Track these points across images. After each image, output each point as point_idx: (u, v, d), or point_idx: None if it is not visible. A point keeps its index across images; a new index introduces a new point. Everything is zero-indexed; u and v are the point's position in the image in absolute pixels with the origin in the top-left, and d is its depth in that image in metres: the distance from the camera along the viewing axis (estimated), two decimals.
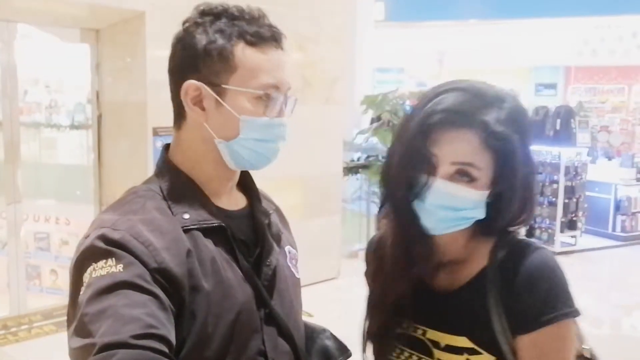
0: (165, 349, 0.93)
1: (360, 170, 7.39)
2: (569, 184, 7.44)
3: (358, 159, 7.66)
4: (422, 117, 1.14)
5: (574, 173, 7.49)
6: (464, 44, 13.61)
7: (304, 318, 1.37)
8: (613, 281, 7.05)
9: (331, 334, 1.40)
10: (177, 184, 1.18)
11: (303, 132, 5.59)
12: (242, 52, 1.13)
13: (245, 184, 1.32)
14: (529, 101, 14.55)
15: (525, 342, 1.12)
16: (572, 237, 7.69)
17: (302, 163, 5.64)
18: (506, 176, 1.13)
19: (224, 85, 1.13)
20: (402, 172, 1.16)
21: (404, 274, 1.20)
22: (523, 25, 12.72)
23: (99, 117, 5.22)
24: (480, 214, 1.15)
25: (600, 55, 13.31)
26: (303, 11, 5.45)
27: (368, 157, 7.41)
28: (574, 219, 7.58)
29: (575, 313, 1.14)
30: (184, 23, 1.18)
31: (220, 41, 1.13)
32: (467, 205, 1.13)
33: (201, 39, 1.14)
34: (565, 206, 7.46)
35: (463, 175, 1.12)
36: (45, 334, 4.56)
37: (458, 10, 12.53)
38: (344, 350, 1.37)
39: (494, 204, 1.16)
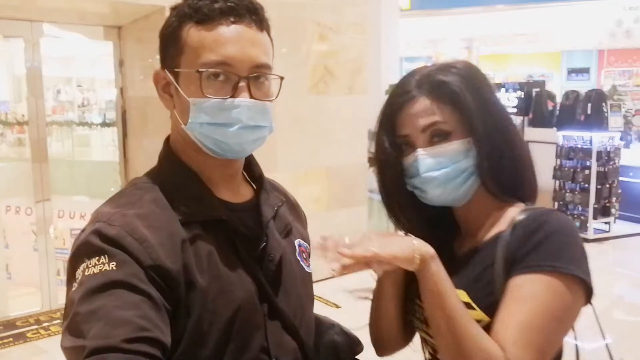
0: (158, 352, 0.90)
1: None
2: (601, 169, 7.25)
3: None
4: (382, 112, 1.24)
5: (607, 158, 7.30)
6: (492, 30, 13.41)
7: (325, 310, 1.32)
8: None
9: (341, 328, 1.35)
10: (177, 174, 1.15)
11: (327, 123, 5.57)
12: (187, 32, 1.09)
13: (254, 175, 1.28)
14: (561, 87, 14.31)
15: (510, 284, 1.10)
16: (605, 223, 7.52)
17: (326, 154, 5.61)
18: (470, 118, 1.17)
19: (176, 69, 1.11)
20: (393, 165, 1.23)
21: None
22: (552, 9, 12.45)
23: (124, 114, 5.28)
24: (473, 159, 1.18)
25: (634, 37, 12.94)
26: (323, 0, 5.40)
27: None
28: (607, 205, 7.40)
29: (567, 272, 1.07)
30: None
31: (174, 24, 1.11)
32: (456, 158, 1.18)
33: (165, 24, 1.14)
34: (598, 192, 7.28)
35: (437, 135, 1.18)
36: None
37: None
38: (355, 345, 1.32)
39: (489, 167, 1.19)
